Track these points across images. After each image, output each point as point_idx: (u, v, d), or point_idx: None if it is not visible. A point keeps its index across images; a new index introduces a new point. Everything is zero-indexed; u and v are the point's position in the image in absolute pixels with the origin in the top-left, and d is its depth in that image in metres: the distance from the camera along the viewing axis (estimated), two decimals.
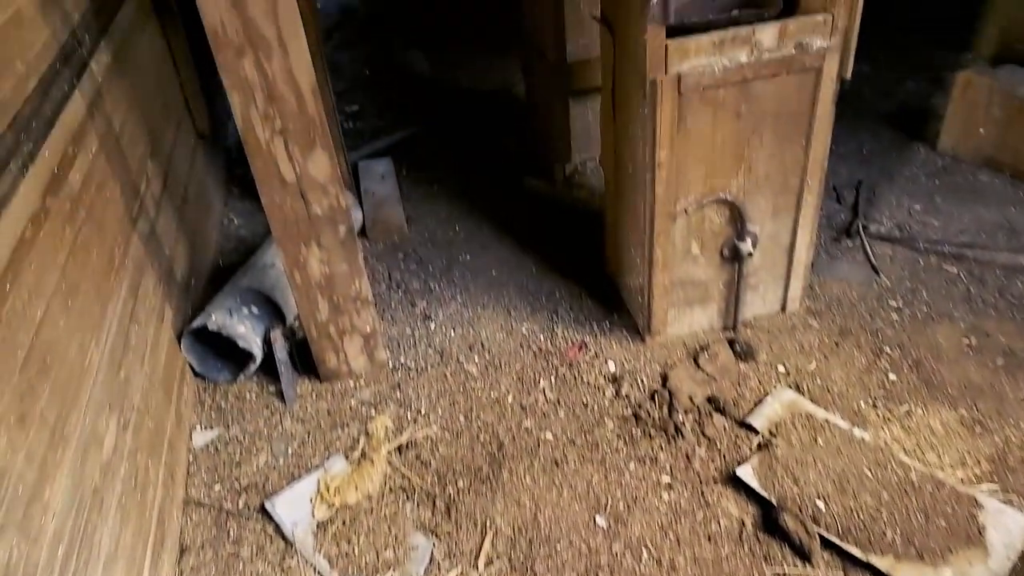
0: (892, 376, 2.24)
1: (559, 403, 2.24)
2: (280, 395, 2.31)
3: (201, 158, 3.19)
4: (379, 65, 4.66)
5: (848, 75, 2.00)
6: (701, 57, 1.91)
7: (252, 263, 2.55)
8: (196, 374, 2.36)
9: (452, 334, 2.52)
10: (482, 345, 2.46)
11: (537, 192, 3.21)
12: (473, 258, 2.88)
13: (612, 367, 2.34)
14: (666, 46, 1.87)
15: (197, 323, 2.27)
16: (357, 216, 3.00)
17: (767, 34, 1.92)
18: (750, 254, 2.23)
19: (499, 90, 4.11)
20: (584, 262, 2.75)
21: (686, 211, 2.15)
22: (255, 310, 2.36)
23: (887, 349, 2.32)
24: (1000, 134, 2.91)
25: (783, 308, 2.45)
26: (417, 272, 2.82)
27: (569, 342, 2.44)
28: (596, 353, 2.40)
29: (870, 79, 3.76)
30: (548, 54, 2.93)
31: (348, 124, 4.03)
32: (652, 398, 2.23)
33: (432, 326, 2.56)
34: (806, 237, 2.29)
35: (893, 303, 2.49)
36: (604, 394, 2.26)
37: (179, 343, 2.30)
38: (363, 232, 3.03)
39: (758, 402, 2.17)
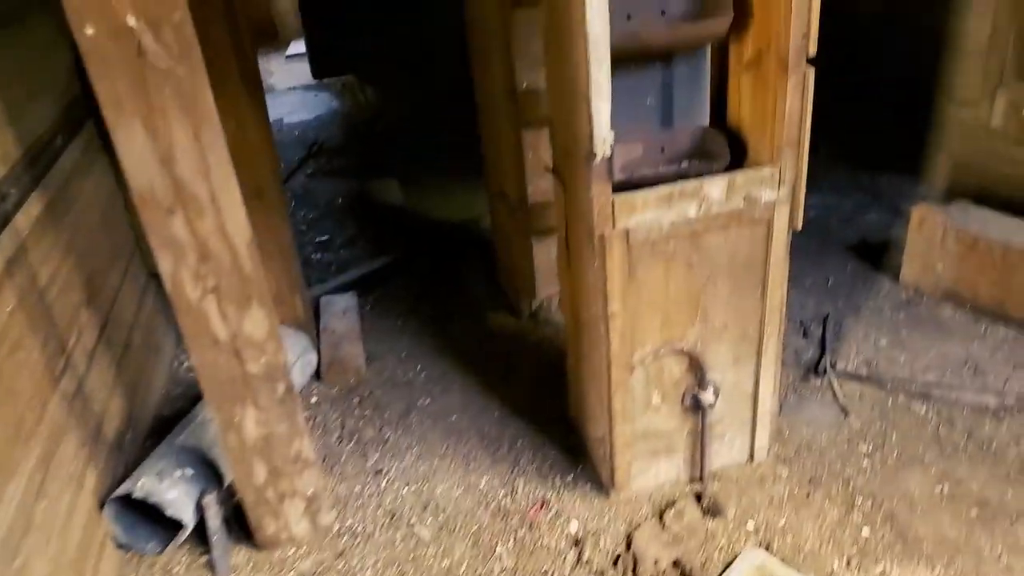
0: (865, 530, 2.11)
1: (516, 572, 2.07)
2: (212, 566, 2.11)
3: (152, 298, 3.09)
4: (353, 193, 4.68)
5: (799, 227, 1.98)
6: (649, 212, 1.87)
7: (191, 417, 2.40)
8: (120, 544, 2.17)
9: (405, 491, 2.36)
10: (437, 504, 2.30)
11: (502, 328, 3.13)
12: (433, 401, 2.75)
13: (574, 527, 2.19)
14: (613, 202, 1.84)
15: (122, 490, 2.10)
16: (312, 359, 2.88)
17: (715, 188, 1.90)
18: (711, 405, 2.13)
19: (470, 220, 4.10)
20: (549, 405, 2.63)
21: (643, 362, 2.06)
22: (189, 471, 2.19)
23: (859, 500, 2.20)
24: (957, 269, 2.90)
25: (751, 457, 2.33)
26: (372, 419, 2.68)
27: (530, 500, 2.28)
28: (558, 511, 2.24)
29: (833, 209, 3.81)
30: (510, 195, 2.93)
31: (316, 255, 3.98)
32: (615, 563, 2.07)
33: (384, 482, 2.40)
34: (769, 385, 2.21)
35: (863, 447, 2.38)
36: (565, 560, 2.09)
37: (102, 510, 2.12)
38: (318, 374, 2.91)
39: (727, 565, 2.02)
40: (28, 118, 2.26)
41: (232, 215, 1.78)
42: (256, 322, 1.90)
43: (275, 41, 7.83)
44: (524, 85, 2.64)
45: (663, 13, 1.93)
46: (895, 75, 4.01)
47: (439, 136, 5.01)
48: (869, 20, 4.11)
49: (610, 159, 1.79)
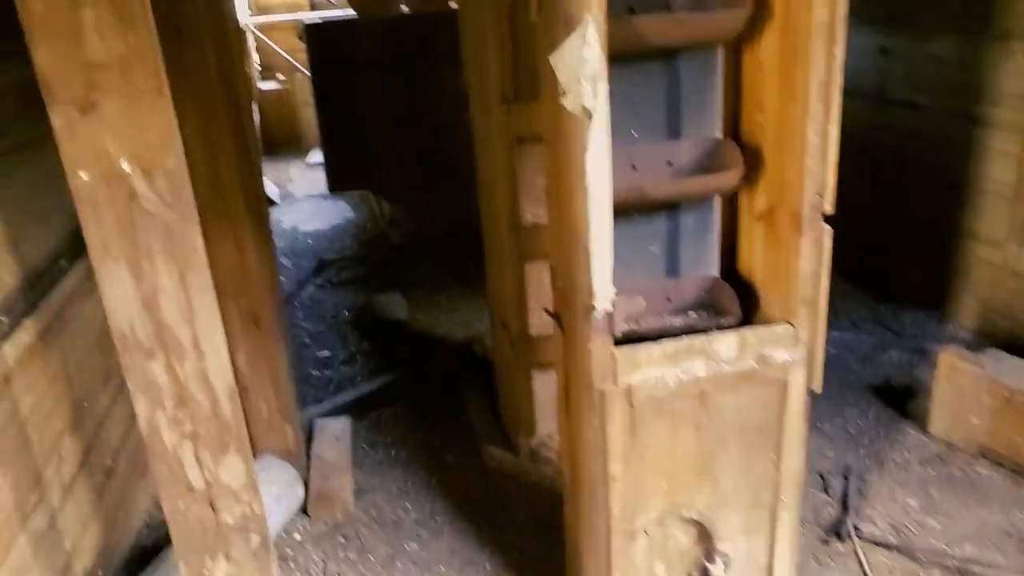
0: None
1: None
2: None
3: None
4: (359, 306, 4.64)
5: (818, 389, 1.85)
6: (653, 368, 1.76)
7: (162, 559, 2.26)
8: None
9: None
10: None
11: (499, 465, 2.97)
12: (421, 547, 2.57)
13: None
14: (614, 356, 1.73)
15: None
16: (299, 492, 2.74)
17: (725, 345, 1.79)
18: None
19: (475, 338, 4.02)
20: (543, 560, 2.44)
21: (647, 530, 1.90)
22: None
23: None
24: (993, 424, 2.72)
25: None
26: (355, 564, 2.50)
27: None
28: None
29: (851, 345, 3.66)
30: (511, 326, 2.84)
31: (316, 372, 3.90)
32: None
33: None
34: (786, 556, 2.02)
35: None
36: None
37: None
38: (304, 508, 2.76)
39: None
40: (30, 243, 2.24)
41: (215, 360, 1.70)
42: (233, 470, 1.80)
43: (298, 148, 8.06)
44: (528, 218, 2.61)
45: (670, 164, 1.89)
46: (917, 205, 3.95)
47: (450, 253, 5.01)
48: (890, 153, 4.09)
49: (611, 313, 1.70)
